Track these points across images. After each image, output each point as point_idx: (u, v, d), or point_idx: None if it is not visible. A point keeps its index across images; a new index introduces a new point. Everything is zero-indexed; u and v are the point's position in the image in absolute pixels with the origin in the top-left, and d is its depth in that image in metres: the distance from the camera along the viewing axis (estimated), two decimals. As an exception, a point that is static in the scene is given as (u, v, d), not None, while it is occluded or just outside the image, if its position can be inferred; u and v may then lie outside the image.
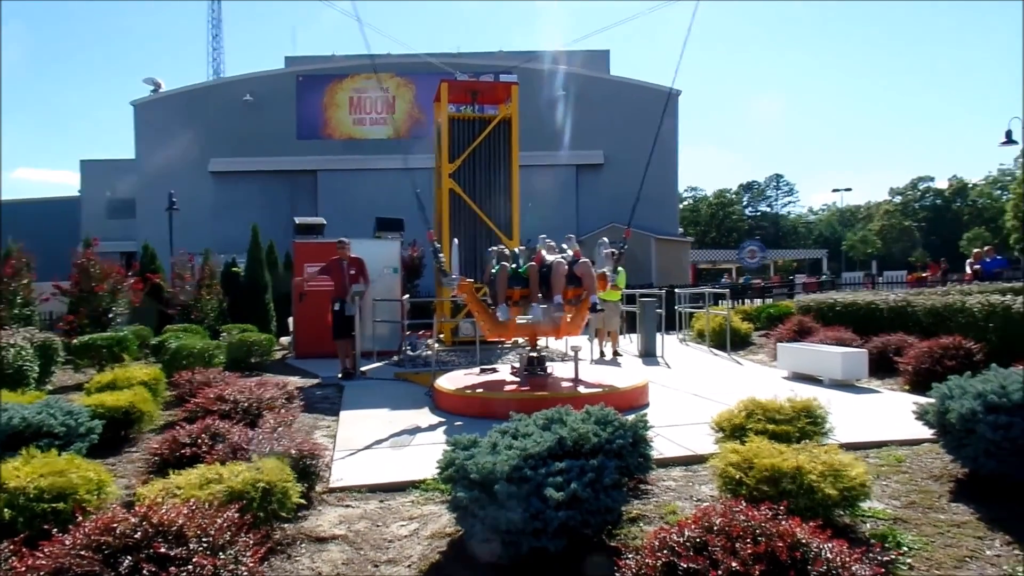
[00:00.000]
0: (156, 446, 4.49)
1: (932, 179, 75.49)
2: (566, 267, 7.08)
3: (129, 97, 37.40)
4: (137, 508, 2.80)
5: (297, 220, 12.98)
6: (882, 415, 6.19)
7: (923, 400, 4.75)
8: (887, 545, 3.24)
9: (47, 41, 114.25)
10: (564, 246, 7.75)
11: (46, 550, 2.57)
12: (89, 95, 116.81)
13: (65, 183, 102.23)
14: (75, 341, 9.43)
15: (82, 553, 2.52)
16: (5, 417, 4.46)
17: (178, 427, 4.65)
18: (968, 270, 15.34)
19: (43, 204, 37.23)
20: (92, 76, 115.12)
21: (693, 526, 2.63)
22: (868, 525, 3.55)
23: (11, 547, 2.77)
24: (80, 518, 2.85)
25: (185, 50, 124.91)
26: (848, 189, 52.38)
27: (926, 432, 4.56)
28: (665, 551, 2.54)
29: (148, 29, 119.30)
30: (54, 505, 3.30)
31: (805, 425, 4.50)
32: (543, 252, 7.50)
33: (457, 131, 11.71)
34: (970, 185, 72.00)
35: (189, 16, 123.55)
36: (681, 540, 2.56)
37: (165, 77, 37.44)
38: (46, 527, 2.98)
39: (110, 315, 11.75)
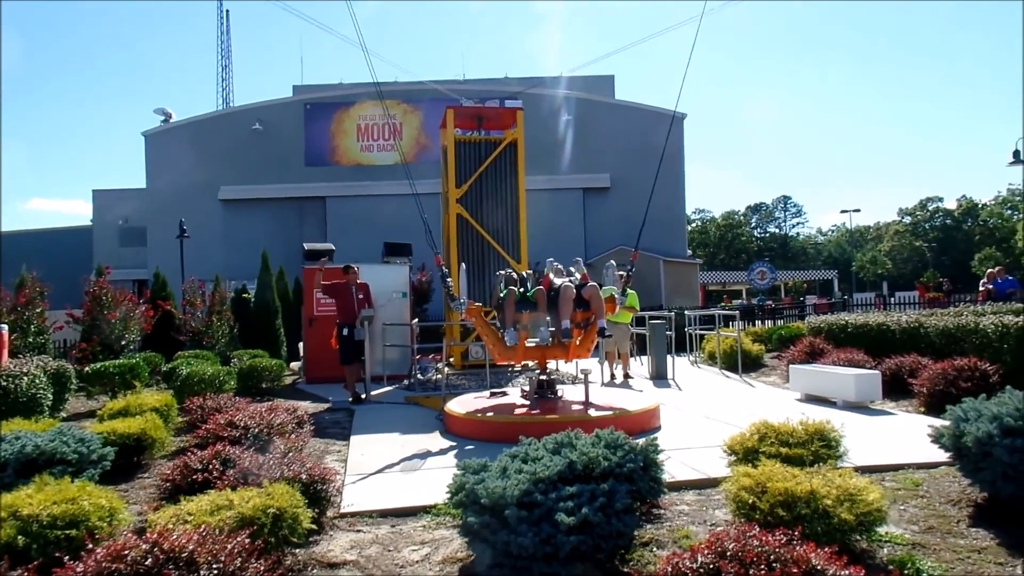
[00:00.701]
0: (167, 472, 4.49)
1: (941, 199, 75.32)
2: (574, 291, 7.09)
3: (140, 127, 37.96)
4: (148, 535, 2.80)
5: (306, 246, 13.08)
6: (897, 438, 6.12)
7: (938, 423, 4.70)
8: (905, 572, 3.19)
9: (60, 74, 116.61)
10: (571, 269, 7.77)
11: (59, 578, 2.57)
12: (101, 126, 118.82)
13: (77, 212, 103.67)
14: (88, 369, 9.48)
15: (94, 581, 2.52)
16: (19, 445, 4.48)
17: (189, 453, 4.66)
18: (980, 291, 15.25)
19: (56, 234, 37.64)
20: (104, 107, 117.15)
21: (706, 551, 2.60)
22: (885, 550, 3.50)
23: (25, 575, 2.77)
24: (92, 545, 2.86)
25: (195, 81, 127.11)
26: (857, 210, 51.92)
27: (943, 455, 4.51)
28: (679, 577, 2.52)
29: (159, 61, 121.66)
30: (67, 532, 3.31)
31: (819, 448, 4.45)
32: (551, 276, 7.52)
33: (463, 154, 11.81)
34: (980, 205, 71.75)
35: (199, 48, 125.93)
36: (694, 566, 2.54)
37: (175, 107, 38.04)
38: (58, 554, 2.99)
39: (122, 342, 11.83)
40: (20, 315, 10.60)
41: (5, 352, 8.07)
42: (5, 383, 6.65)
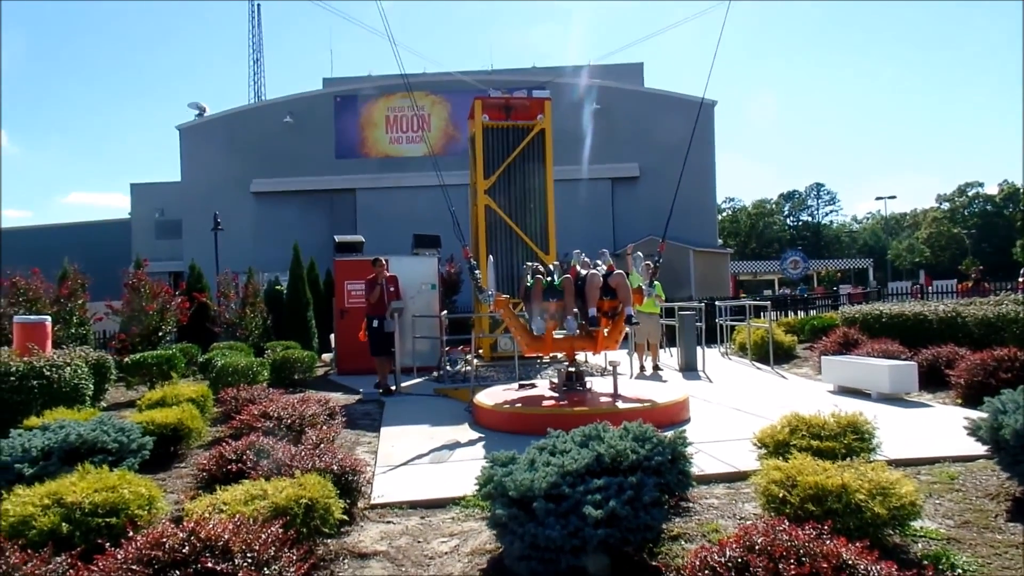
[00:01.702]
0: (204, 462, 4.60)
1: (981, 184, 73.19)
2: (600, 279, 7.07)
3: (175, 121, 38.63)
4: (185, 523, 2.88)
5: (337, 238, 13.22)
6: (933, 430, 6.00)
7: (975, 415, 4.59)
8: (940, 567, 3.14)
9: (98, 70, 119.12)
10: (598, 262, 7.75)
11: (100, 564, 2.66)
12: (138, 120, 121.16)
13: (115, 206, 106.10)
14: (127, 359, 9.74)
15: (133, 567, 2.60)
16: (63, 434, 4.63)
17: (224, 443, 4.76)
18: (1021, 279, 14.80)
19: (95, 227, 38.61)
20: (141, 102, 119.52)
21: (734, 545, 2.59)
22: (919, 545, 3.44)
23: (68, 560, 2.87)
24: (131, 532, 2.95)
25: (228, 75, 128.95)
26: (892, 197, 50.74)
27: (980, 448, 4.41)
28: (706, 571, 2.51)
29: (193, 56, 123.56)
30: (108, 520, 3.42)
31: (851, 441, 4.39)
32: (577, 267, 7.50)
33: (492, 141, 11.80)
34: (1022, 190, 69.56)
35: (232, 42, 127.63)
36: (722, 560, 2.53)
37: (209, 101, 38.70)
38: (100, 541, 3.09)
39: (159, 333, 12.11)
40: (63, 307, 10.92)
41: (49, 343, 8.32)
42: (49, 373, 6.86)
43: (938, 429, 6.01)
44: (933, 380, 8.14)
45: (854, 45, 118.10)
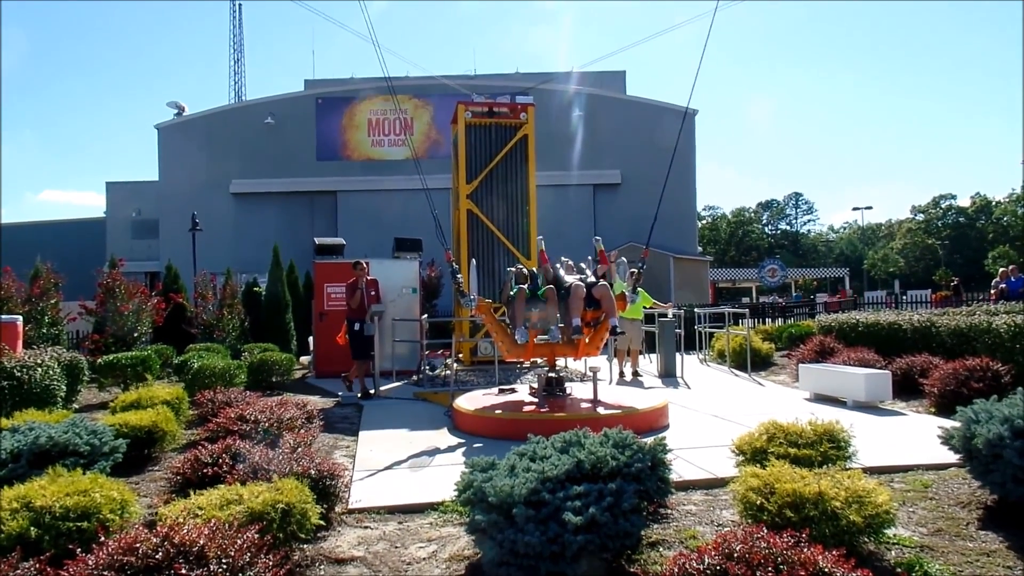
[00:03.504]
0: (178, 466, 4.54)
1: (954, 196, 74.76)
2: (584, 290, 7.09)
3: (153, 121, 38.13)
4: (159, 528, 2.83)
5: (317, 240, 13.13)
6: (907, 439, 6.08)
7: (948, 424, 4.66)
8: (913, 574, 3.18)
9: (75, 67, 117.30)
10: (583, 266, 7.77)
11: (70, 569, 2.61)
12: (114, 119, 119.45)
13: (89, 204, 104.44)
14: (100, 360, 9.58)
15: (105, 573, 2.55)
16: (32, 436, 4.54)
17: (200, 447, 4.70)
18: (993, 290, 15.09)
19: (69, 225, 37.97)
20: (118, 100, 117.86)
21: (713, 552, 2.60)
22: (893, 553, 3.49)
23: (36, 566, 2.81)
24: (103, 537, 2.89)
25: (208, 75, 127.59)
26: (868, 207, 51.78)
27: (953, 457, 4.48)
28: (685, 578, 2.52)
29: (173, 55, 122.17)
30: (78, 524, 3.35)
31: (828, 449, 4.43)
32: (561, 272, 7.51)
33: (475, 141, 11.81)
34: (994, 203, 71.07)
35: (212, 42, 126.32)
36: (701, 567, 2.54)
37: (188, 101, 38.19)
38: (71, 546, 3.02)
39: (134, 334, 11.93)
40: (34, 306, 10.72)
41: (20, 343, 8.15)
42: (19, 374, 6.73)
43: (912, 437, 6.10)
44: (907, 389, 8.26)
45: (833, 57, 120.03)
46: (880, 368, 8.52)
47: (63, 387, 7.60)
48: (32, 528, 3.26)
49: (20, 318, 8.59)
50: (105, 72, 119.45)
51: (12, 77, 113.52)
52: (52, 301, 11.08)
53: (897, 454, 5.42)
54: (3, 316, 8.66)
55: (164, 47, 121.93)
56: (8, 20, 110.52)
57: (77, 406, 8.41)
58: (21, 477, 4.08)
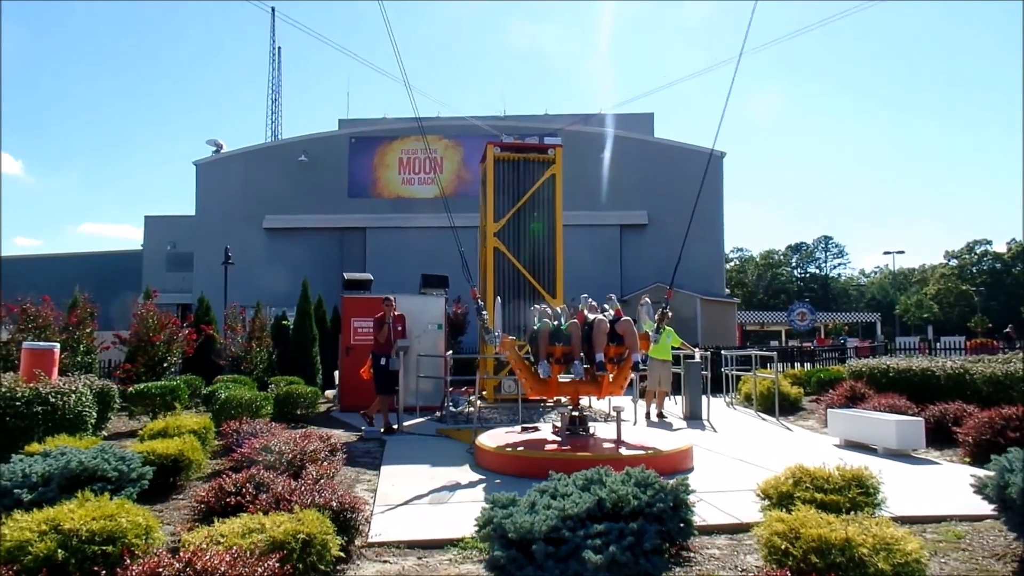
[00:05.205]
0: (203, 494, 4.59)
1: (990, 242, 73.24)
2: (607, 325, 7.09)
3: (191, 157, 39.39)
4: (182, 554, 2.87)
5: (346, 276, 13.32)
6: (940, 488, 5.91)
7: (982, 473, 4.54)
8: (945, 626, 3.08)
9: (118, 103, 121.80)
10: (605, 306, 7.78)
11: (95, 592, 2.65)
12: (153, 155, 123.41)
13: (125, 237, 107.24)
14: (131, 389, 9.75)
15: (129, 596, 2.59)
16: (63, 461, 4.63)
17: (224, 476, 4.75)
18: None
19: (107, 257, 39.08)
20: (158, 137, 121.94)
21: (735, 595, 2.56)
22: (924, 604, 3.37)
23: (62, 588, 2.85)
24: (128, 561, 2.94)
25: (246, 114, 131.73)
26: (901, 252, 51.01)
27: (987, 508, 4.34)
28: (706, 620, 2.47)
29: (213, 94, 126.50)
30: (104, 548, 3.40)
31: (856, 495, 4.34)
32: (584, 311, 7.53)
33: (504, 179, 11.99)
34: (1030, 249, 69.51)
35: (251, 82, 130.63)
36: (723, 610, 2.49)
37: (226, 139, 39.43)
38: (95, 569, 3.07)
39: (164, 364, 12.15)
40: (71, 334, 10.99)
41: (55, 370, 8.35)
42: (54, 400, 6.88)
43: (945, 487, 5.92)
44: (940, 437, 8.04)
45: (866, 99, 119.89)
46: (912, 415, 8.32)
47: (94, 414, 7.74)
48: (59, 550, 3.32)
49: (57, 346, 8.80)
50: (147, 110, 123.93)
51: (53, 111, 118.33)
52: (87, 330, 11.35)
53: (929, 503, 5.27)
54: (41, 343, 8.90)
55: (205, 87, 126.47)
56: (51, 54, 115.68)
57: (106, 433, 8.56)
58: (51, 500, 4.16)
